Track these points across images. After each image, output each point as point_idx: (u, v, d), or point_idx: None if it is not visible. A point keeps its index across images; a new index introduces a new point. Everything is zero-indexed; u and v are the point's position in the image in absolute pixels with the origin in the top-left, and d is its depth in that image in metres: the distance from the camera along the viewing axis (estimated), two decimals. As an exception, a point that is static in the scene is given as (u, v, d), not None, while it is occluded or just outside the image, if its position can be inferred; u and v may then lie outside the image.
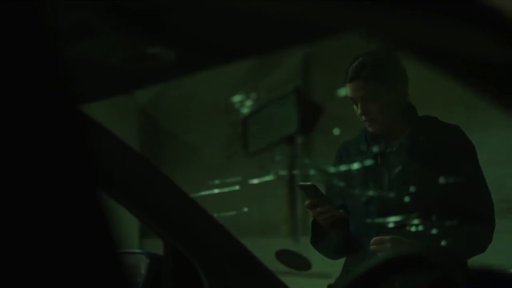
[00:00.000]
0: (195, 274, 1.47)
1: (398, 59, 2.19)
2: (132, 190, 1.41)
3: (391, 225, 2.12)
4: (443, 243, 2.05)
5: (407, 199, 2.11)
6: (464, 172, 2.11)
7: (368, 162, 2.20)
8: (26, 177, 0.46)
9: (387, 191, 2.15)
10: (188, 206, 1.48)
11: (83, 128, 0.49)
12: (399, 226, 2.12)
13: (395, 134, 2.21)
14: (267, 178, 4.06)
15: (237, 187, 4.43)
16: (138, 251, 1.70)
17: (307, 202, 2.19)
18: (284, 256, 2.15)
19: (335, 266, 2.31)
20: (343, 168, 2.26)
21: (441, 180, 2.09)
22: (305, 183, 2.23)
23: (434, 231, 2.07)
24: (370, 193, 2.17)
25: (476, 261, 2.11)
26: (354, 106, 2.20)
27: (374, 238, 2.11)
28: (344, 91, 2.21)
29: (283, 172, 3.95)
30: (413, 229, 2.10)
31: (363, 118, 2.18)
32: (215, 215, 1.52)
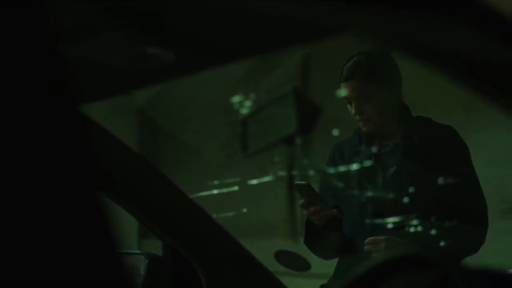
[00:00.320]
0: (194, 274, 1.47)
1: (393, 59, 2.19)
2: (131, 191, 1.41)
3: (385, 225, 2.12)
4: (436, 243, 2.05)
5: (401, 199, 2.11)
6: (457, 173, 2.11)
7: (362, 162, 2.20)
8: (25, 178, 0.46)
9: (381, 191, 2.15)
10: (187, 207, 1.48)
11: (82, 128, 0.49)
12: (393, 226, 2.12)
13: (389, 134, 2.21)
14: (266, 178, 4.06)
15: (236, 188, 4.43)
16: (137, 251, 1.70)
17: (301, 201, 2.20)
18: (283, 256, 2.15)
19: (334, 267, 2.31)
20: (336, 168, 2.26)
21: (435, 180, 2.09)
22: (300, 182, 2.23)
23: (428, 231, 2.08)
24: (364, 193, 2.17)
25: (476, 261, 2.11)
26: (348, 106, 2.20)
27: (369, 238, 2.11)
28: (343, 92, 2.22)
29: (282, 173, 3.95)
30: (407, 229, 2.10)
31: (357, 117, 2.19)
32: (214, 215, 1.52)
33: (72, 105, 0.48)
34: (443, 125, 2.21)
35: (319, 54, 4.11)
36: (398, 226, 2.12)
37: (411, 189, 2.11)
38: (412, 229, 2.10)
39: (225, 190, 4.45)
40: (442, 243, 2.05)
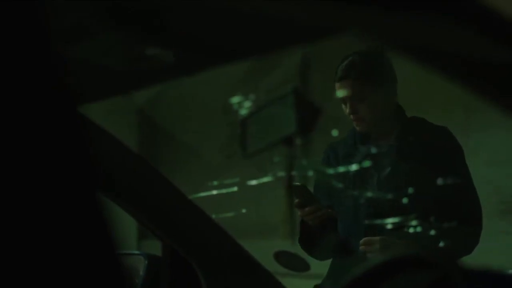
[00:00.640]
0: (194, 275, 1.47)
1: (388, 59, 2.19)
2: (130, 191, 1.41)
3: (380, 226, 2.12)
4: (431, 244, 2.05)
5: (395, 200, 2.11)
6: (451, 174, 2.11)
7: (357, 163, 2.20)
8: (25, 178, 0.45)
9: (376, 192, 2.15)
10: (187, 207, 1.48)
11: (82, 129, 0.49)
12: (388, 227, 2.12)
13: (384, 135, 2.21)
14: (266, 179, 4.06)
15: (235, 188, 4.43)
16: (137, 252, 1.70)
17: (295, 202, 2.20)
18: (282, 257, 2.15)
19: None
20: (330, 169, 2.26)
21: (429, 181, 2.09)
22: (295, 183, 2.24)
23: (422, 232, 2.07)
24: (359, 193, 2.17)
25: (476, 261, 2.11)
26: (343, 105, 2.20)
27: (364, 239, 2.11)
28: (338, 91, 2.22)
29: (281, 173, 3.95)
30: (402, 230, 2.10)
31: (352, 117, 2.19)
32: (214, 216, 1.52)
33: (72, 106, 0.48)
34: (437, 126, 2.21)
35: (319, 54, 4.11)
36: (393, 227, 2.12)
37: (405, 190, 2.11)
38: (407, 230, 2.10)
39: (224, 190, 4.45)
40: (435, 244, 2.05)
